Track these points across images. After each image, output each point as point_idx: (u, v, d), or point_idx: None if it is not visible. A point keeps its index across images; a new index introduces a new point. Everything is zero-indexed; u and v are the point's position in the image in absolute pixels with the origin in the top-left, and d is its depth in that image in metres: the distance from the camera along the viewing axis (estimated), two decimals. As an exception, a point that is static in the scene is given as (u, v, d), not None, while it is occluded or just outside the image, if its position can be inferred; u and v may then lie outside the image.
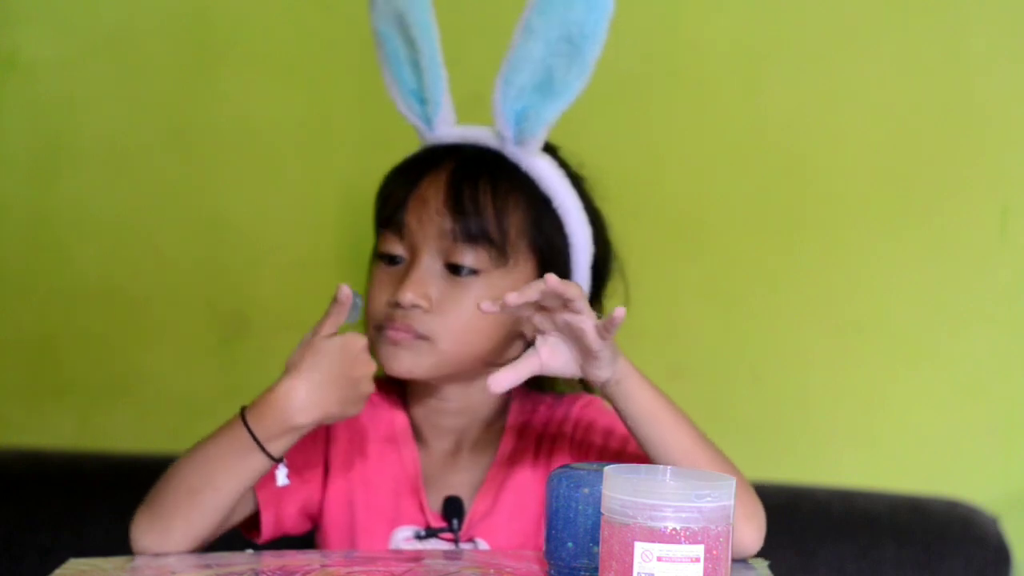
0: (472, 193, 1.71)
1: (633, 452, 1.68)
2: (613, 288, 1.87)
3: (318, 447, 1.76)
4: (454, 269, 1.71)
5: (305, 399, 1.59)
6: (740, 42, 2.38)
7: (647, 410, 1.58)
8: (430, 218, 1.71)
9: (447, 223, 1.70)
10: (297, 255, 2.44)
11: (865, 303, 2.37)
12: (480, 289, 1.70)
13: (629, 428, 1.59)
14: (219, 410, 2.44)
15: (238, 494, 1.62)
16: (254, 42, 2.45)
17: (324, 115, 2.44)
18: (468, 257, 1.70)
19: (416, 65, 1.75)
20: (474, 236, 1.70)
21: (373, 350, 1.72)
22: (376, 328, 1.73)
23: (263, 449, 1.60)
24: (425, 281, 1.70)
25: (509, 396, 1.80)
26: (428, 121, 1.78)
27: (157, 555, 1.61)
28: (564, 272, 1.77)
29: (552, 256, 1.76)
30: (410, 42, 1.74)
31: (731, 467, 1.62)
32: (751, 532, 1.57)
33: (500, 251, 1.71)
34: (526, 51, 1.69)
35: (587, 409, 1.79)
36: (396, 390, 1.83)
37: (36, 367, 2.49)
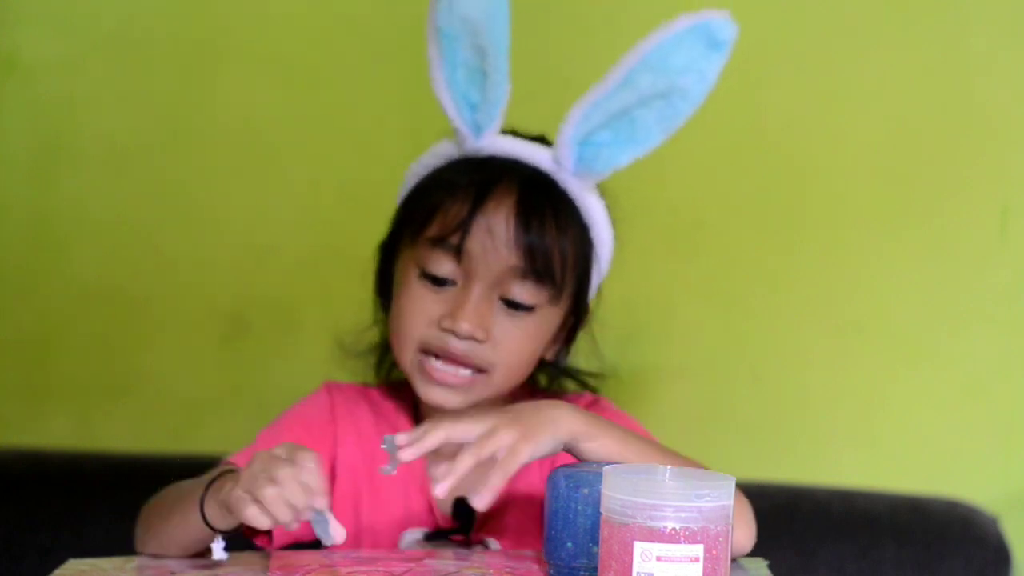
0: (539, 230, 1.68)
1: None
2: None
3: (325, 451, 1.75)
4: (511, 303, 1.68)
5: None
6: (740, 42, 2.37)
7: (612, 460, 1.51)
8: (496, 250, 1.67)
9: (514, 259, 1.67)
10: (297, 255, 2.44)
11: (865, 303, 2.37)
12: (533, 323, 1.69)
13: None
14: (219, 410, 2.46)
15: (184, 541, 1.58)
16: (254, 42, 2.45)
17: (324, 115, 2.44)
18: (529, 294, 1.68)
19: (476, 71, 1.68)
20: (539, 274, 1.67)
21: (403, 370, 1.72)
22: (420, 351, 1.70)
23: (202, 513, 1.53)
24: (483, 312, 1.67)
25: (516, 397, 1.80)
26: (478, 129, 1.72)
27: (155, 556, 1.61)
28: (587, 298, 1.77)
29: (585, 286, 1.76)
30: (478, 50, 1.66)
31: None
32: (746, 535, 1.56)
33: (559, 289, 1.70)
34: (618, 98, 1.65)
35: (592, 408, 1.78)
36: (401, 394, 1.82)
37: (36, 367, 2.49)
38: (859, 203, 2.36)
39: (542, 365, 1.79)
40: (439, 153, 1.77)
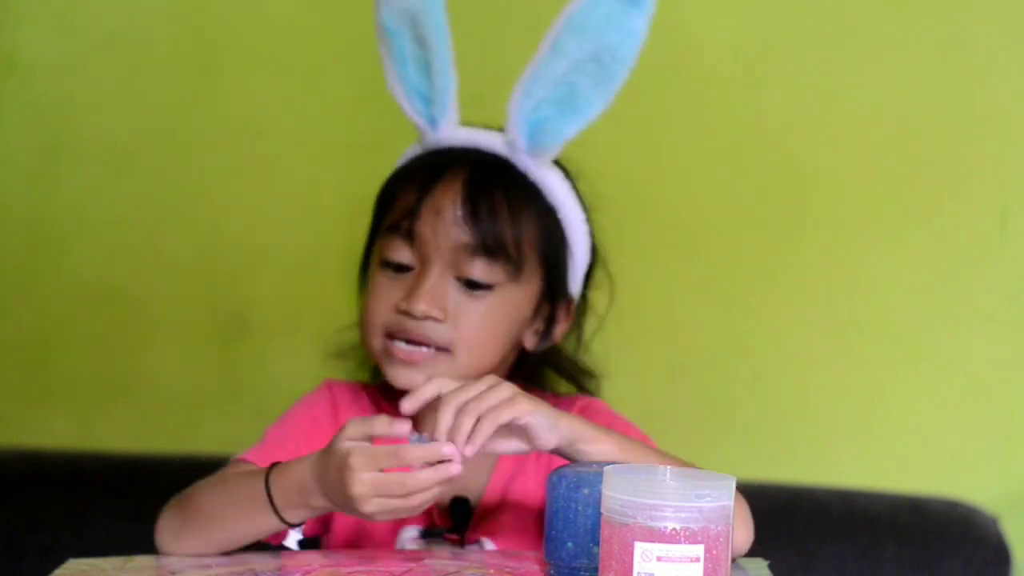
0: (488, 205, 1.69)
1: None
2: (600, 280, 1.86)
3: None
4: (468, 283, 1.69)
5: (316, 485, 1.53)
6: (740, 42, 2.38)
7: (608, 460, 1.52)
8: (445, 229, 1.68)
9: (463, 236, 1.68)
10: (297, 255, 2.44)
11: (865, 303, 2.37)
12: (493, 301, 1.69)
13: None
14: (219, 410, 2.46)
15: (249, 539, 1.59)
16: (254, 42, 2.45)
17: (324, 115, 2.44)
18: (483, 271, 1.69)
19: (424, 64, 1.72)
20: (491, 251, 1.68)
21: (375, 359, 1.72)
22: (385, 336, 1.71)
23: (278, 515, 1.55)
24: (438, 292, 1.68)
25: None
26: (433, 121, 1.75)
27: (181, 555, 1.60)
28: (564, 283, 1.77)
29: (557, 268, 1.76)
30: (420, 41, 1.70)
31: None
32: (744, 535, 1.56)
33: (515, 266, 1.70)
34: (551, 66, 1.67)
35: (586, 411, 1.78)
36: (388, 394, 1.82)
37: (36, 367, 2.49)
38: (859, 203, 2.36)
39: (525, 355, 1.79)
40: (407, 154, 1.80)
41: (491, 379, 1.49)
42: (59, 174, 2.47)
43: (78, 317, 2.48)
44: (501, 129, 1.77)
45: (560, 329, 1.78)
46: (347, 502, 1.47)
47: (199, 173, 2.46)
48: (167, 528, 1.63)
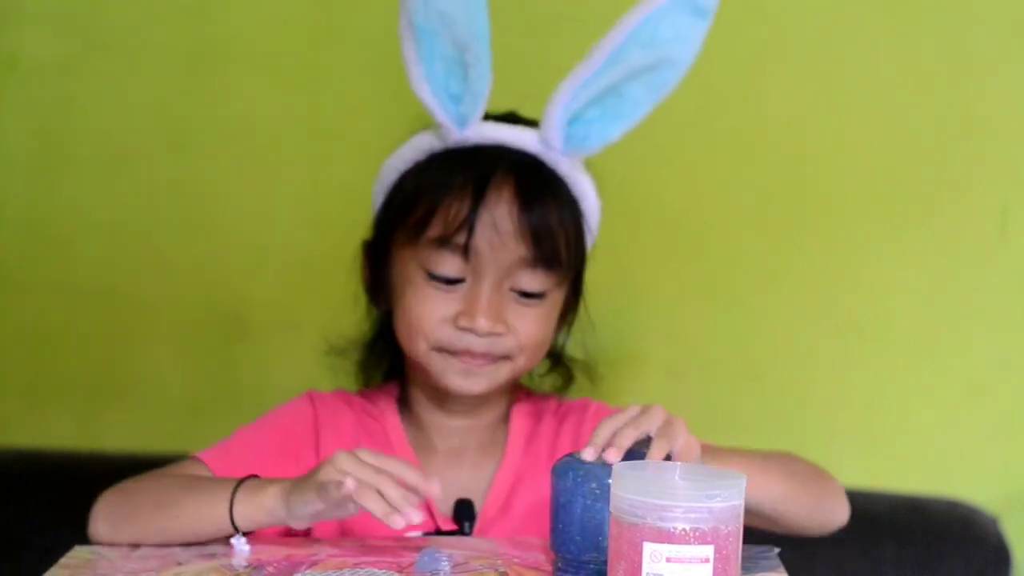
0: (543, 217, 1.68)
1: None
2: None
3: (305, 458, 1.74)
4: (523, 293, 1.69)
5: (283, 502, 1.54)
6: (740, 42, 2.37)
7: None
8: (503, 244, 1.67)
9: (522, 251, 1.67)
10: (297, 255, 2.44)
11: (865, 303, 2.37)
12: (545, 308, 1.71)
13: None
14: (219, 410, 2.46)
15: (193, 537, 1.58)
16: (254, 42, 2.44)
17: (324, 115, 2.43)
18: (540, 283, 1.70)
19: (456, 64, 1.68)
20: (548, 263, 1.69)
21: (426, 366, 1.72)
22: (438, 350, 1.70)
23: (230, 512, 1.55)
24: (498, 306, 1.68)
25: (511, 397, 1.80)
26: (462, 120, 1.71)
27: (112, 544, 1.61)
28: (582, 275, 1.79)
29: (583, 265, 1.77)
30: (458, 43, 1.66)
31: (808, 476, 1.70)
32: (842, 514, 1.72)
33: (565, 272, 1.71)
34: (606, 75, 1.66)
35: (599, 414, 1.78)
36: (383, 396, 1.82)
37: (36, 367, 2.49)
38: (859, 203, 2.36)
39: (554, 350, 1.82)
40: (419, 147, 1.76)
41: (638, 406, 1.51)
42: (59, 174, 2.46)
43: (78, 317, 2.48)
44: (512, 117, 1.76)
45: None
46: (313, 484, 1.48)
47: (199, 173, 2.46)
48: (105, 516, 1.63)
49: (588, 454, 1.44)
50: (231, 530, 1.55)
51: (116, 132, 2.46)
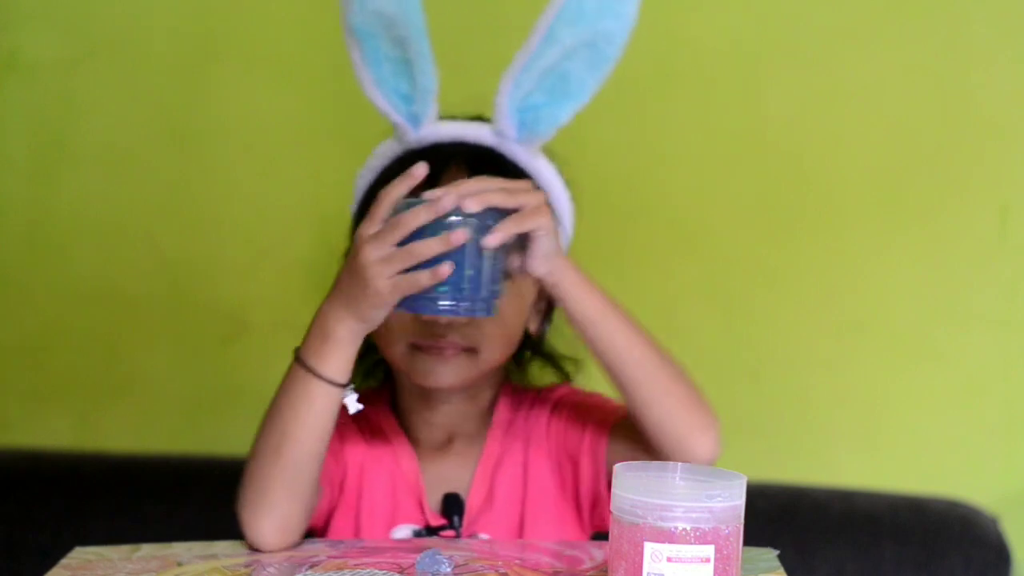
0: None
1: (611, 409, 1.74)
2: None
3: (339, 456, 1.76)
4: None
5: (337, 310, 1.55)
6: (740, 42, 2.38)
7: (588, 313, 1.57)
8: None
9: None
10: (297, 255, 2.44)
11: (865, 303, 2.37)
12: (508, 295, 1.70)
13: (579, 333, 1.60)
14: (219, 410, 2.46)
15: (319, 440, 1.57)
16: (254, 42, 2.45)
17: (324, 115, 2.44)
18: None
19: (401, 64, 1.69)
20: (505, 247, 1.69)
21: (402, 367, 1.73)
22: (412, 349, 1.71)
23: (318, 375, 1.56)
24: None
25: (498, 391, 1.81)
26: (415, 120, 1.73)
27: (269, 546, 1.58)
28: None
29: None
30: (397, 42, 1.68)
31: (681, 373, 1.68)
32: (707, 442, 1.64)
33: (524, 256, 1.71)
34: (543, 56, 1.66)
35: (568, 396, 1.80)
36: (379, 397, 1.83)
37: (36, 367, 2.49)
38: (859, 203, 2.36)
39: (527, 341, 1.80)
40: (383, 154, 1.78)
41: (527, 184, 1.53)
42: (59, 174, 2.46)
43: (78, 317, 2.48)
44: (477, 117, 1.77)
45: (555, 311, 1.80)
46: (365, 295, 1.49)
47: (199, 173, 2.46)
48: (249, 511, 1.58)
49: (443, 194, 1.46)
50: (338, 394, 1.56)
51: (116, 132, 2.47)
